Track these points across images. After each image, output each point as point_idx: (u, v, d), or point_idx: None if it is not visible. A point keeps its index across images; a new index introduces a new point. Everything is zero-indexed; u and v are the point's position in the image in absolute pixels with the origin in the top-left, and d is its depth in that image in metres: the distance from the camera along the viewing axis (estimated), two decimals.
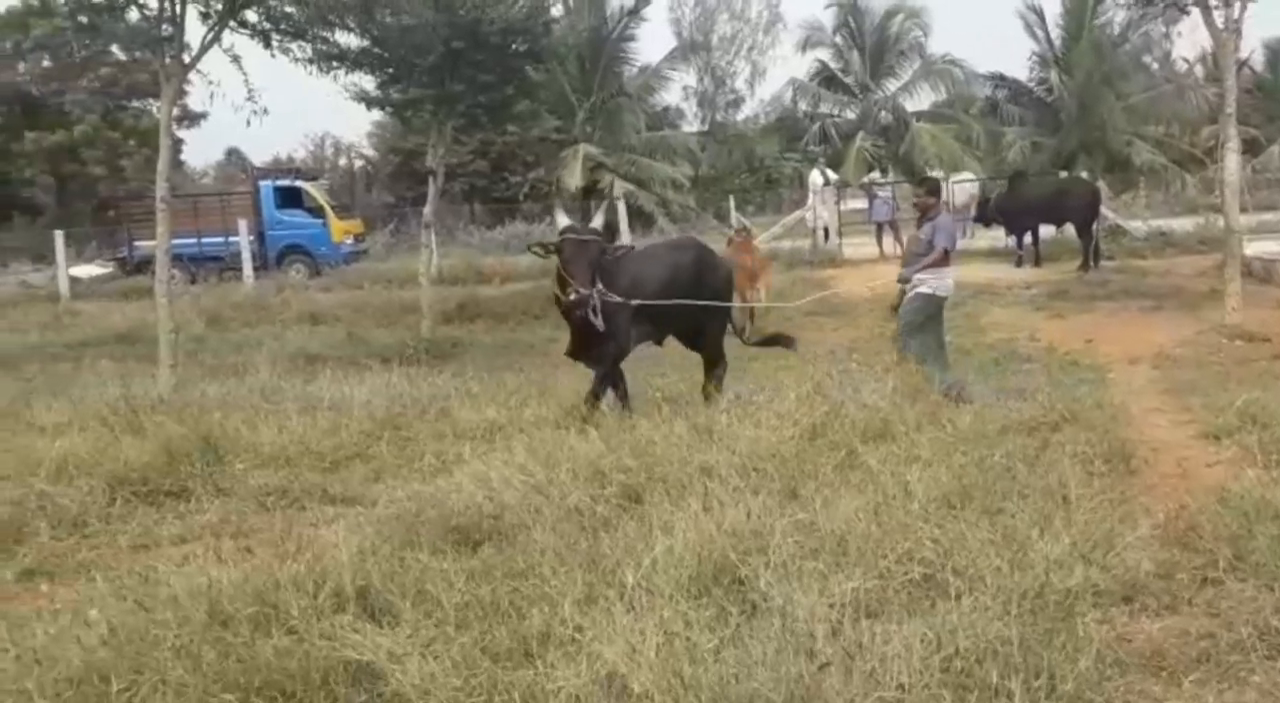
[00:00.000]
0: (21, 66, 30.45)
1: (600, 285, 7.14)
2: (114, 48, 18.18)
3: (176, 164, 32.43)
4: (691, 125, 37.10)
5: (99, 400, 8.21)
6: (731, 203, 25.65)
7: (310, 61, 11.51)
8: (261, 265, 22.41)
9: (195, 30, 9.75)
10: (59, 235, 21.49)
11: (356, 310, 16.90)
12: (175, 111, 27.95)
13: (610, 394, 7.75)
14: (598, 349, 7.51)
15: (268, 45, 10.39)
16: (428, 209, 14.34)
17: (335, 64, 12.32)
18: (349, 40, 12.41)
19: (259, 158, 36.24)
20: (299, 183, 24.93)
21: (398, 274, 19.90)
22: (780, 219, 25.86)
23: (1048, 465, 5.09)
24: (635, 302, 7.42)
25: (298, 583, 3.86)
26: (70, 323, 16.96)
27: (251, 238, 22.09)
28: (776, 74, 63.47)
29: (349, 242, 24.16)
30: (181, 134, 32.78)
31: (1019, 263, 17.59)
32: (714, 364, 8.29)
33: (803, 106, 34.85)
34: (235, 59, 9.42)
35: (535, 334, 14.27)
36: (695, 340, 8.39)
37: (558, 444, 5.91)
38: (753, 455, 5.30)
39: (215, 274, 21.83)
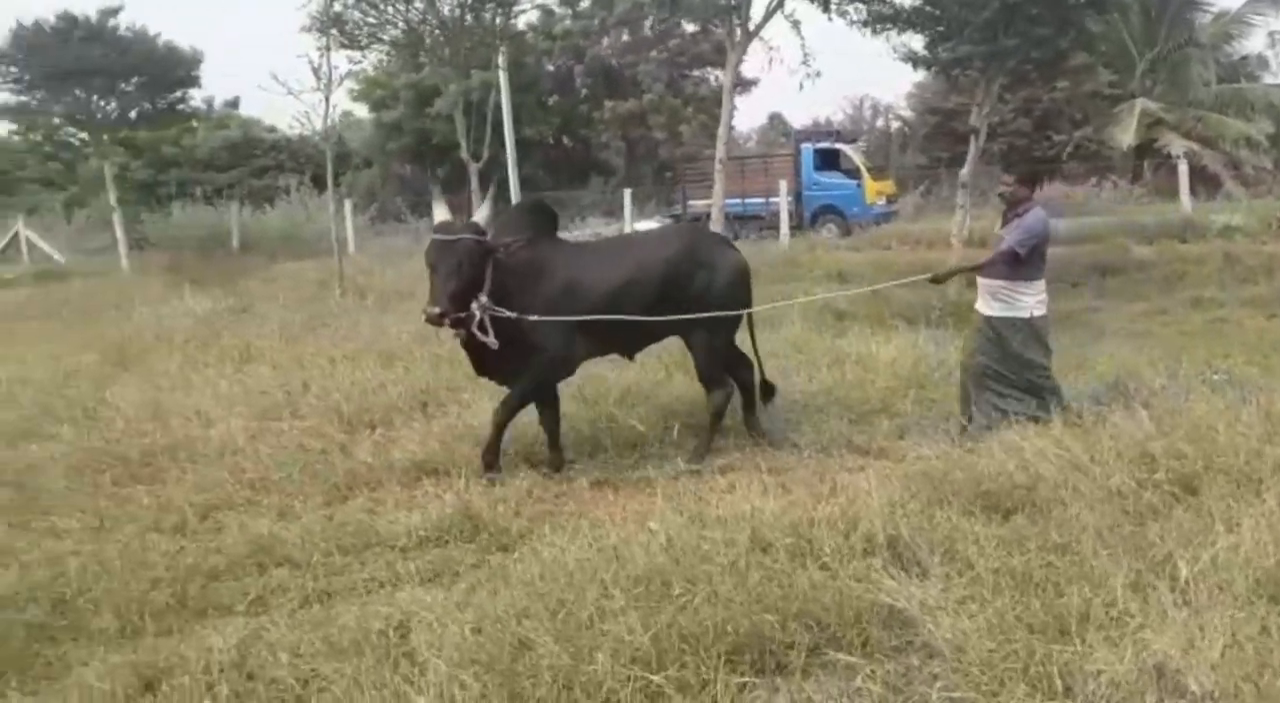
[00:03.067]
0: (605, 41, 34.40)
1: (485, 296, 5.53)
2: (684, 21, 19.77)
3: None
4: (1275, 76, 32.28)
5: None
6: None
7: (865, 23, 11.70)
8: (797, 224, 23.35)
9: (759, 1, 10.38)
10: (627, 193, 24.10)
11: (882, 270, 16.98)
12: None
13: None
14: (514, 363, 5.81)
15: (826, 9, 10.71)
16: (966, 169, 13.98)
17: (888, 24, 12.40)
18: (903, 0, 12.41)
19: (798, 121, 37.64)
20: (838, 145, 25.54)
21: (925, 235, 19.72)
22: None
23: None
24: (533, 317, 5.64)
25: (831, 523, 4.07)
26: None
27: (789, 198, 23.10)
28: None
29: (880, 202, 24.35)
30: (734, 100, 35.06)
31: None
32: (711, 387, 6.37)
33: None
34: (795, 25, 9.85)
35: (1072, 302, 13.39)
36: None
37: (1099, 421, 5.57)
38: None
39: (755, 232, 23.10)
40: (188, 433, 6.63)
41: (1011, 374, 6.12)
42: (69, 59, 21.86)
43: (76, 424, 7.07)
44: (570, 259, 6.06)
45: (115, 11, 23.06)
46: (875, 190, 24.33)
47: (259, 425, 6.77)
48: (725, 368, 6.45)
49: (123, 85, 23.27)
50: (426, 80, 29.57)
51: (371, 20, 14.41)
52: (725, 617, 3.28)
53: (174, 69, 24.07)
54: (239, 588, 4.32)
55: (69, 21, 22.71)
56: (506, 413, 5.91)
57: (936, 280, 6.51)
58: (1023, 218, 6.12)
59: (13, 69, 22.62)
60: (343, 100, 35.98)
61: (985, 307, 6.24)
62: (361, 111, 35.00)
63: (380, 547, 4.79)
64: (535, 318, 5.62)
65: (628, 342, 6.32)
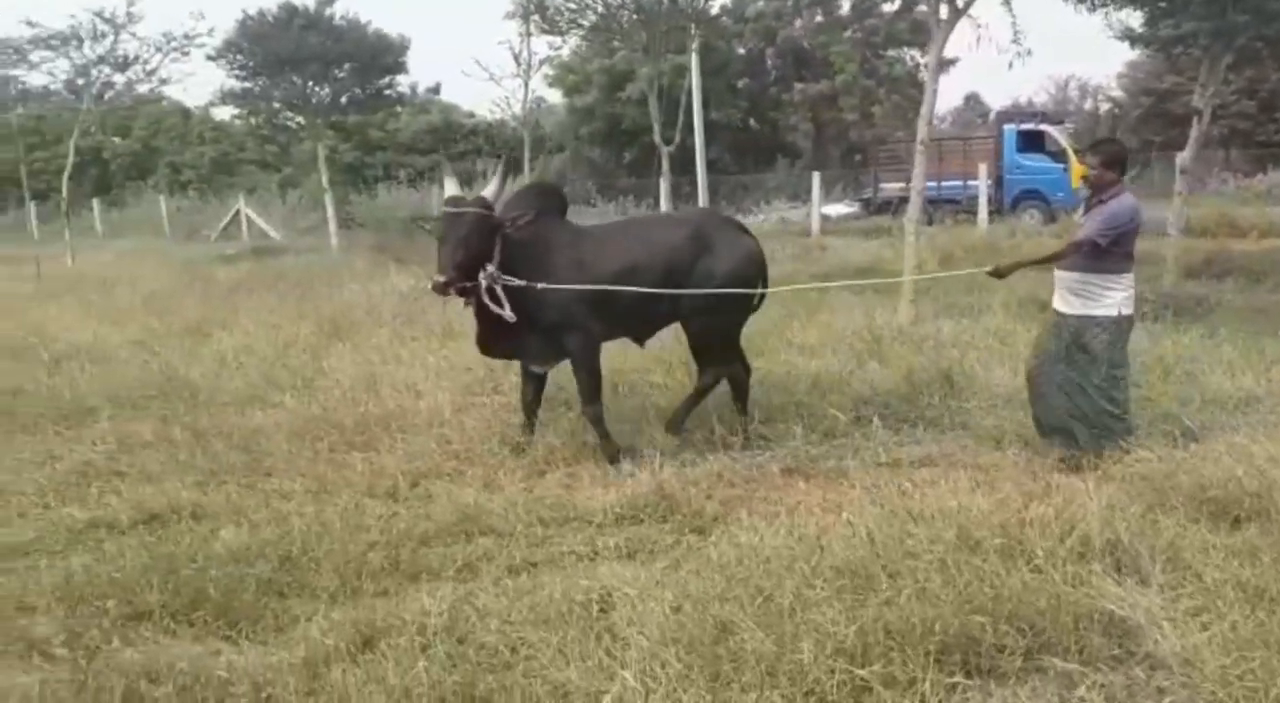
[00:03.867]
0: (798, 23, 33.98)
1: (493, 267, 5.54)
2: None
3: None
4: None
5: (845, 327, 8.99)
6: None
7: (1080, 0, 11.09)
8: (996, 209, 22.43)
9: None
10: (816, 177, 23.73)
11: None
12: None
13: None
14: (527, 339, 5.84)
15: None
16: (1186, 153, 13.06)
17: (1105, 1, 11.71)
18: None
19: (996, 102, 36.19)
20: (1042, 126, 24.34)
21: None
22: None
23: None
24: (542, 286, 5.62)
25: (1044, 524, 3.90)
26: (818, 256, 18.64)
27: (989, 182, 22.21)
28: None
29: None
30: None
31: None
32: (703, 366, 6.33)
33: None
34: (1006, 1, 9.43)
35: None
36: (690, 343, 6.41)
37: None
38: None
39: (950, 216, 22.31)
40: (399, 403, 6.96)
41: (1082, 383, 5.58)
42: (288, 47, 23.16)
43: (297, 392, 7.53)
44: (577, 240, 6.05)
45: (331, 0, 24.34)
46: (1081, 175, 23.07)
47: (463, 399, 7.05)
48: (728, 356, 6.38)
49: (336, 71, 24.46)
50: (618, 65, 30.00)
51: (572, 6, 14.70)
52: (934, 615, 3.19)
53: (383, 56, 25.13)
54: (448, 554, 4.51)
55: (289, 11, 24.07)
56: (596, 406, 5.99)
57: (998, 274, 5.91)
58: (1106, 205, 5.60)
59: (239, 57, 24.15)
60: (537, 86, 36.96)
61: (1064, 305, 5.71)
62: (554, 97, 35.88)
63: (578, 521, 4.90)
64: (543, 287, 5.63)
65: (637, 326, 6.28)
